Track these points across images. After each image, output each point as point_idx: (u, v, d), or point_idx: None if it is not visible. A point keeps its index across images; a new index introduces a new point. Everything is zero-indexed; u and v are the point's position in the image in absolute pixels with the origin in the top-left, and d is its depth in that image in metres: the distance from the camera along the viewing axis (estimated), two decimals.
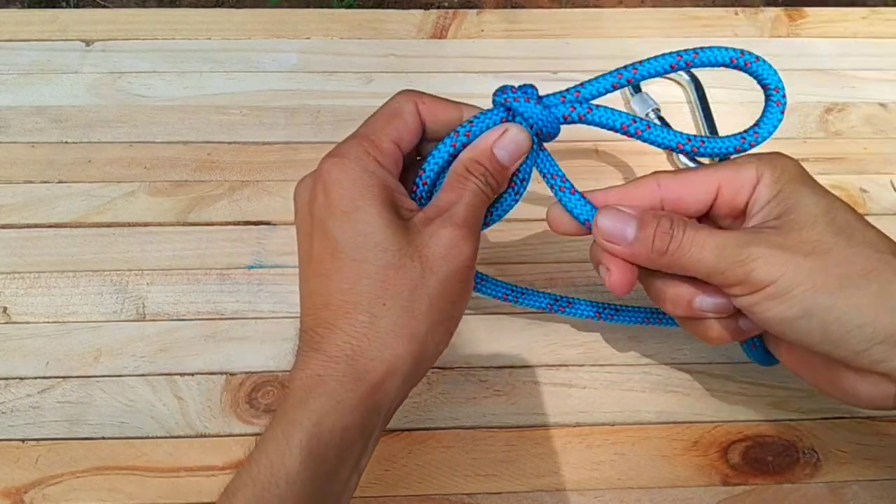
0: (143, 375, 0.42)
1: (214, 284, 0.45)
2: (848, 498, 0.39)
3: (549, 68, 0.56)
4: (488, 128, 0.34)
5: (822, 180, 0.52)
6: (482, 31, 0.58)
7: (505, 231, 0.48)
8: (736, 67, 0.33)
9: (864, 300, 0.28)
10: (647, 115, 0.52)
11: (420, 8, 0.63)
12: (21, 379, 0.42)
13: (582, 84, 0.34)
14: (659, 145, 0.35)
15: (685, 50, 0.33)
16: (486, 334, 0.44)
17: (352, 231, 0.30)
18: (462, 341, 0.44)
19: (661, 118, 0.52)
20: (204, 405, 0.41)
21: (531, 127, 0.34)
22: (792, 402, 0.42)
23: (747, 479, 0.40)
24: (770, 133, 0.34)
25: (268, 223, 0.48)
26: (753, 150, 0.35)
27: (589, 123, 0.34)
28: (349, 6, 1.33)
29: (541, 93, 0.34)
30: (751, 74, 0.34)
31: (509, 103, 0.34)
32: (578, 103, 0.34)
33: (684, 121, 0.53)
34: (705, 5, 1.33)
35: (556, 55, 0.56)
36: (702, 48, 0.33)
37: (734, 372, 0.43)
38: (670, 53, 0.33)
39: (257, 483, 0.28)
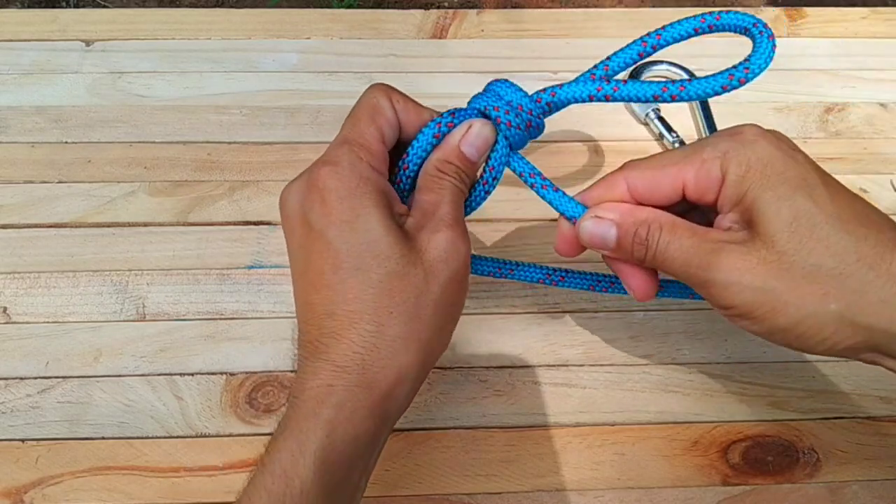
0: (143, 375, 0.42)
1: (214, 284, 0.45)
2: (848, 498, 0.39)
3: (549, 68, 0.56)
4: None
5: None
6: (482, 31, 0.58)
7: (504, 231, 0.48)
8: (705, 30, 0.32)
9: (824, 320, 0.28)
10: (647, 115, 0.52)
11: (420, 8, 0.63)
12: (21, 379, 0.42)
13: (560, 85, 0.34)
14: (637, 100, 0.33)
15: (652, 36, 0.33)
16: (486, 334, 0.44)
17: (355, 240, 0.30)
18: (462, 341, 0.44)
19: (660, 118, 0.52)
20: (204, 405, 0.41)
21: (508, 123, 0.34)
22: (792, 402, 0.42)
23: (747, 479, 0.40)
24: (762, 68, 0.31)
25: (268, 223, 0.48)
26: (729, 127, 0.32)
27: (560, 102, 0.34)
28: (349, 6, 1.33)
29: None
30: (724, 29, 0.32)
31: (487, 111, 0.34)
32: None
33: (685, 121, 0.53)
34: (705, 5, 1.33)
35: (556, 55, 0.56)
36: (663, 29, 0.33)
37: (734, 372, 0.43)
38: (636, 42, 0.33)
39: (272, 494, 0.28)
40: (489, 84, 0.35)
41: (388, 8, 1.35)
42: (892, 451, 0.41)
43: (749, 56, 0.31)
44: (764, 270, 0.29)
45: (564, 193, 0.35)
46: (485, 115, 0.34)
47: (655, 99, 0.32)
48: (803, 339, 0.29)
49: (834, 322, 0.28)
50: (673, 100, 0.32)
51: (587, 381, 0.43)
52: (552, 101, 0.34)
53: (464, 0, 1.40)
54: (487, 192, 0.36)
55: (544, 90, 0.34)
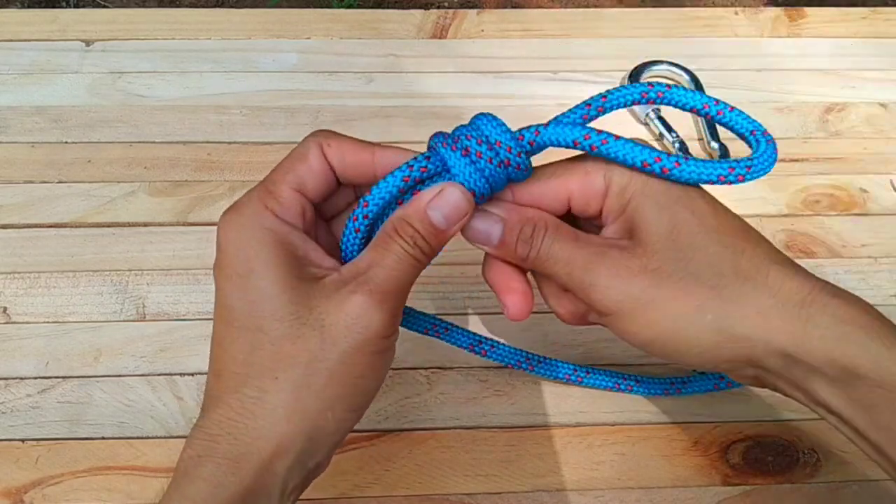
0: (143, 375, 0.42)
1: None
2: (848, 498, 0.39)
3: (549, 68, 0.56)
4: (439, 169, 0.30)
5: (821, 180, 0.52)
6: (482, 31, 0.58)
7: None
8: (703, 115, 0.31)
9: (700, 330, 0.28)
10: (646, 115, 0.52)
11: (420, 8, 0.63)
12: (21, 379, 0.42)
13: (546, 125, 0.31)
14: (623, 162, 0.30)
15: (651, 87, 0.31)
16: (487, 334, 0.44)
17: (245, 297, 0.28)
18: None
19: (660, 118, 0.52)
20: None
21: (478, 154, 0.30)
22: (792, 402, 0.42)
23: (747, 479, 0.40)
24: (764, 171, 0.30)
25: None
26: None
27: (544, 143, 0.31)
28: (349, 6, 1.33)
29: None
30: (723, 125, 0.31)
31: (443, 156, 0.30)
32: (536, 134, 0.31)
33: (684, 121, 0.53)
34: (705, 5, 1.33)
35: (556, 55, 0.56)
36: (668, 88, 0.31)
37: None
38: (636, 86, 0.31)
39: None
40: (474, 117, 0.31)
41: (388, 8, 1.36)
42: None
43: (753, 156, 0.30)
44: (644, 278, 0.29)
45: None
46: (461, 148, 0.30)
47: (644, 166, 0.30)
48: (682, 351, 0.29)
49: (711, 332, 0.28)
50: (664, 173, 0.30)
51: None
52: (535, 141, 0.31)
53: (464, 0, 1.40)
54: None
55: (528, 128, 0.31)
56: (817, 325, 0.27)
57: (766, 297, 0.28)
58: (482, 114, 0.31)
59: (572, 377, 0.41)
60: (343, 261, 0.31)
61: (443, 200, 0.30)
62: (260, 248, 0.28)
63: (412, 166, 0.30)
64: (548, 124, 0.31)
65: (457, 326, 0.38)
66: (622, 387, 0.41)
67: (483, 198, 0.31)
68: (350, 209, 0.32)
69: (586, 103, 0.31)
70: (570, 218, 0.32)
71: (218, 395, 0.28)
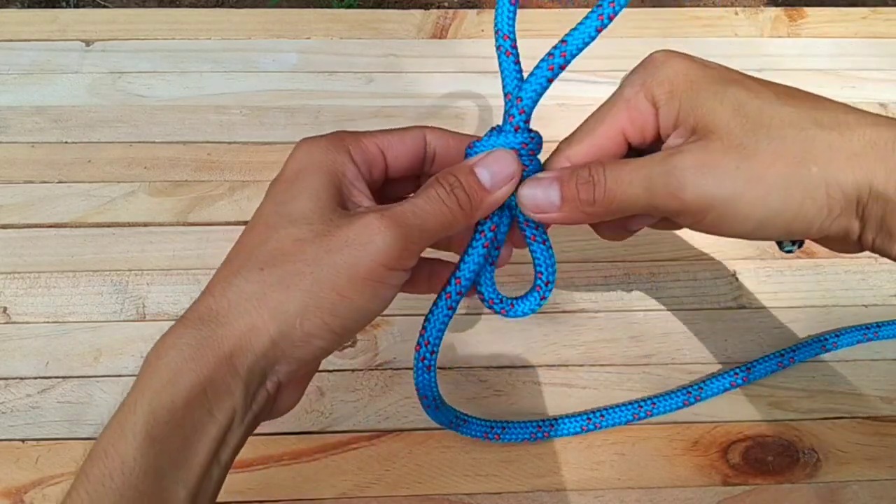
0: None
1: None
2: (848, 498, 0.39)
3: None
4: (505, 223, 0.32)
5: None
6: (482, 31, 0.58)
7: None
8: None
9: (813, 186, 0.27)
10: None
11: (420, 8, 0.63)
12: (21, 379, 0.42)
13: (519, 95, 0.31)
14: (587, 37, 0.29)
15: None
16: (486, 334, 0.44)
17: (280, 200, 0.29)
18: (462, 341, 0.44)
19: None
20: None
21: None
22: (792, 402, 0.42)
23: (747, 479, 0.40)
24: None
25: None
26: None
27: (534, 105, 0.31)
28: (349, 6, 1.33)
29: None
30: None
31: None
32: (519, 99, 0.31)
33: None
34: (705, 5, 1.33)
35: None
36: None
37: None
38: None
39: (90, 479, 0.25)
40: (472, 149, 0.31)
41: (388, 8, 1.36)
42: (892, 451, 0.41)
43: None
44: (733, 157, 0.27)
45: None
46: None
47: (601, 20, 0.29)
48: (800, 218, 0.27)
49: (821, 186, 0.26)
50: (563, 57, 0.30)
51: (587, 381, 0.43)
52: (525, 108, 0.31)
53: (464, 0, 1.40)
54: (543, 298, 0.34)
55: (511, 114, 0.31)
56: None
57: (854, 141, 0.26)
58: (478, 144, 0.31)
59: (589, 426, 0.41)
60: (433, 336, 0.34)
61: (491, 159, 0.30)
62: (314, 164, 0.29)
63: (483, 232, 0.32)
64: (520, 91, 0.30)
65: (473, 418, 0.40)
66: (641, 415, 0.41)
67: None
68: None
69: (549, 53, 0.30)
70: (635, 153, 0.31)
71: (209, 288, 0.28)
